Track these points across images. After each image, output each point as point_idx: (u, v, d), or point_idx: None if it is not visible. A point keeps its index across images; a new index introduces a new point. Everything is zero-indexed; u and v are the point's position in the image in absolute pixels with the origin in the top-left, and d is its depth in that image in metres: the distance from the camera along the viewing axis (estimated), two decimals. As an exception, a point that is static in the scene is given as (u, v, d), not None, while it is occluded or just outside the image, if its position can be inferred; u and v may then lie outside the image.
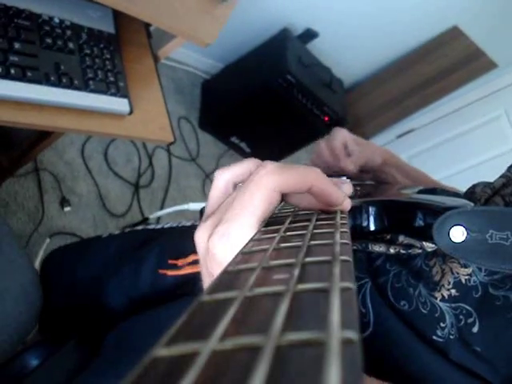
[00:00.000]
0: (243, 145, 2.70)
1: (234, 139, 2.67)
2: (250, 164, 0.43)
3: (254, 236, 0.33)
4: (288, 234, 0.32)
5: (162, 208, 2.11)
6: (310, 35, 2.55)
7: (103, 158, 2.06)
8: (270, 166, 0.36)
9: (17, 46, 0.82)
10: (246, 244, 0.31)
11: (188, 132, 2.55)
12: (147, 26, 1.17)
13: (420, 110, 2.92)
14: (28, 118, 0.84)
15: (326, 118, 2.51)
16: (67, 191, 1.86)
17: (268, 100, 2.44)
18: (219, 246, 0.36)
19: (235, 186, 0.44)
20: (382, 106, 2.99)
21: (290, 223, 0.36)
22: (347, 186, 0.45)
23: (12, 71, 0.80)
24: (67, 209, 1.82)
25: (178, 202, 2.13)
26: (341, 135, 0.87)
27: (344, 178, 0.79)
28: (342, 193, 0.39)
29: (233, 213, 0.36)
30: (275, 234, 0.31)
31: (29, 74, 0.82)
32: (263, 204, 0.35)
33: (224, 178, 0.43)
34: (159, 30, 1.19)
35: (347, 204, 0.40)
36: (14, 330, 0.86)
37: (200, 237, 0.39)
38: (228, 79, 2.68)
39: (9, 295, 0.86)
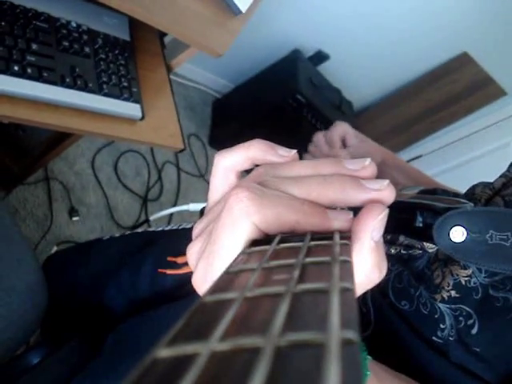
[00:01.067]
0: (252, 163, 2.70)
1: (242, 157, 2.66)
2: (252, 151, 0.37)
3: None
4: (288, 234, 0.30)
5: (169, 222, 2.12)
6: (321, 57, 2.57)
7: (113, 170, 2.09)
8: (245, 197, 0.30)
9: (34, 46, 0.84)
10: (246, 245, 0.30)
11: (198, 149, 2.58)
12: (161, 36, 1.20)
13: (429, 136, 2.91)
14: (42, 117, 0.85)
15: (335, 139, 2.52)
16: (76, 201, 1.88)
17: (278, 119, 2.46)
18: (200, 273, 0.33)
19: (237, 173, 0.38)
20: (390, 131, 2.99)
21: None
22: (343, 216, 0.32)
23: (29, 70, 0.82)
24: (75, 218, 1.83)
25: (185, 217, 2.14)
26: (340, 128, 0.87)
27: None
28: (333, 223, 0.31)
29: (212, 248, 0.32)
30: (275, 235, 0.30)
31: (45, 74, 0.84)
32: (241, 242, 0.30)
33: (223, 165, 0.37)
34: (173, 42, 1.22)
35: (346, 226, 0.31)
36: (18, 328, 0.87)
37: (192, 255, 0.36)
38: (239, 98, 2.71)
39: (15, 293, 0.86)
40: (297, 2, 2.30)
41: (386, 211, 0.30)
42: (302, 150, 0.93)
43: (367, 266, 0.30)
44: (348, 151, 0.84)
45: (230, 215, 0.30)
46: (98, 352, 0.83)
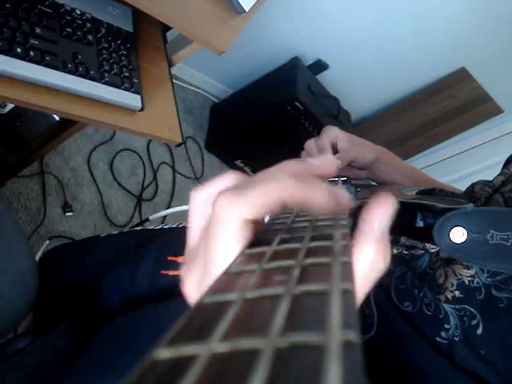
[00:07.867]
0: (247, 169, 2.72)
1: (238, 163, 2.69)
2: (226, 181, 0.34)
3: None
4: (288, 234, 0.30)
5: (162, 222, 2.12)
6: (320, 66, 2.59)
7: (108, 168, 2.08)
8: (224, 197, 0.29)
9: (38, 30, 0.84)
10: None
11: (194, 152, 2.59)
12: (164, 31, 1.20)
13: (424, 150, 2.92)
14: (41, 100, 0.85)
15: (331, 148, 2.53)
16: (70, 197, 1.87)
17: (275, 126, 2.47)
18: None
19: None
20: (386, 144, 2.97)
21: (289, 223, 0.34)
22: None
23: (31, 53, 0.82)
24: (69, 214, 1.82)
25: (178, 218, 2.14)
26: (330, 133, 0.86)
27: (343, 178, 0.79)
28: (323, 194, 0.30)
29: (209, 267, 0.30)
30: (275, 236, 0.30)
31: (47, 58, 0.84)
32: (236, 240, 0.29)
33: (200, 198, 0.36)
34: (175, 37, 1.22)
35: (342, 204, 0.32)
36: (8, 314, 0.86)
37: (191, 294, 0.34)
38: (237, 103, 2.72)
39: (6, 278, 0.86)
40: (300, 9, 2.32)
41: (395, 203, 0.30)
42: (298, 158, 0.92)
43: (373, 254, 0.30)
44: (338, 156, 0.83)
45: (217, 218, 0.29)
46: (88, 340, 0.83)
